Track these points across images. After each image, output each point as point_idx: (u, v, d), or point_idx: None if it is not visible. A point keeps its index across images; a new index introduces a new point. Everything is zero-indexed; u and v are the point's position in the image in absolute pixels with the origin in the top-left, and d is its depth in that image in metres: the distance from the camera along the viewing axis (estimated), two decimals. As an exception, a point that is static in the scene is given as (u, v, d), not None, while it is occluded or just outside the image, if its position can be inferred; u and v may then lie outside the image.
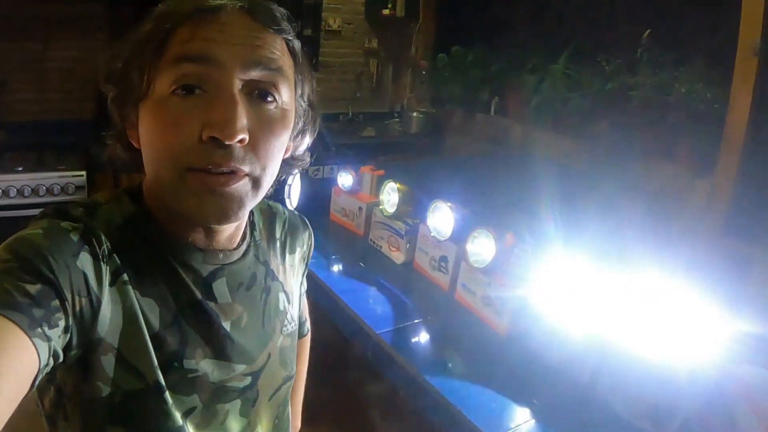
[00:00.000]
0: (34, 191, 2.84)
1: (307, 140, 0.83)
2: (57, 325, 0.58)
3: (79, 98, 3.34)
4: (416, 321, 1.52)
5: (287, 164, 0.80)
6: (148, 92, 0.66)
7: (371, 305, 1.57)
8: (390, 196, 1.82)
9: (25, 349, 0.54)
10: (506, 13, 3.73)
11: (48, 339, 0.56)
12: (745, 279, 2.25)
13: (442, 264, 1.65)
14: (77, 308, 0.61)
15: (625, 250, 1.48)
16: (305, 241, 0.98)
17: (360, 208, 1.98)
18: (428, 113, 3.99)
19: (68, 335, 0.60)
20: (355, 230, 2.02)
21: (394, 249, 1.81)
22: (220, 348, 0.75)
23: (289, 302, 0.90)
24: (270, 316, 0.84)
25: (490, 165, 3.02)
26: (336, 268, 1.83)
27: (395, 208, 1.80)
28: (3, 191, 2.77)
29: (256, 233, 0.86)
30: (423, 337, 1.47)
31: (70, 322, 0.60)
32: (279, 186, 2.13)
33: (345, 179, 2.03)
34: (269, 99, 0.67)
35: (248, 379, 0.79)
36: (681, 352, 1.15)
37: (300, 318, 1.03)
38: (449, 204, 1.62)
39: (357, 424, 1.68)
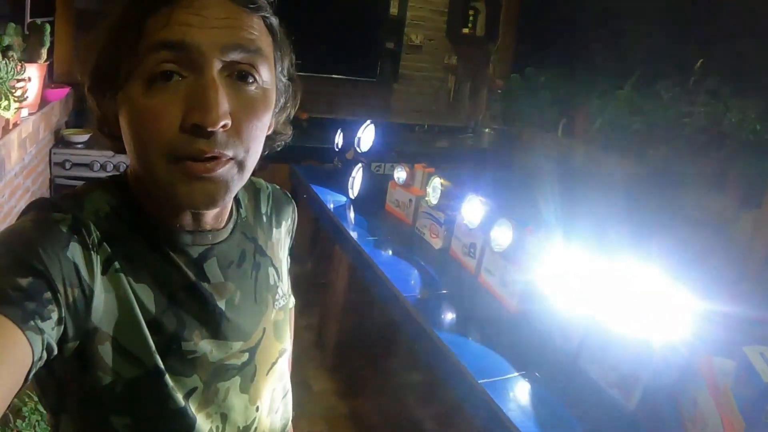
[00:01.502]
0: (116, 167, 3.20)
1: (289, 114, 0.82)
2: (50, 318, 0.58)
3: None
4: (442, 292, 1.78)
5: (269, 139, 0.80)
6: (126, 82, 0.65)
7: (405, 277, 1.84)
8: (435, 190, 2.09)
9: (18, 343, 0.55)
10: (580, 40, 3.90)
11: (41, 332, 0.57)
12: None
13: (471, 249, 1.90)
14: (70, 299, 0.61)
15: (638, 253, 1.68)
16: (289, 215, 0.99)
17: (410, 200, 2.26)
18: (500, 130, 4.22)
19: (62, 327, 0.60)
20: (405, 219, 2.30)
21: (434, 236, 2.08)
22: (216, 327, 0.76)
23: (278, 276, 0.91)
24: (261, 291, 0.85)
25: (549, 179, 3.21)
26: (385, 250, 2.11)
27: (438, 200, 2.07)
28: (87, 165, 3.16)
29: (242, 210, 0.87)
30: (443, 306, 1.73)
31: (63, 314, 0.60)
32: (344, 176, 2.43)
33: (400, 174, 2.32)
34: (250, 80, 0.67)
35: (246, 356, 0.80)
36: (658, 335, 1.32)
37: None
38: (481, 198, 1.87)
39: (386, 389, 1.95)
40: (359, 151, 2.59)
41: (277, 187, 1.00)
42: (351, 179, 2.49)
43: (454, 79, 4.52)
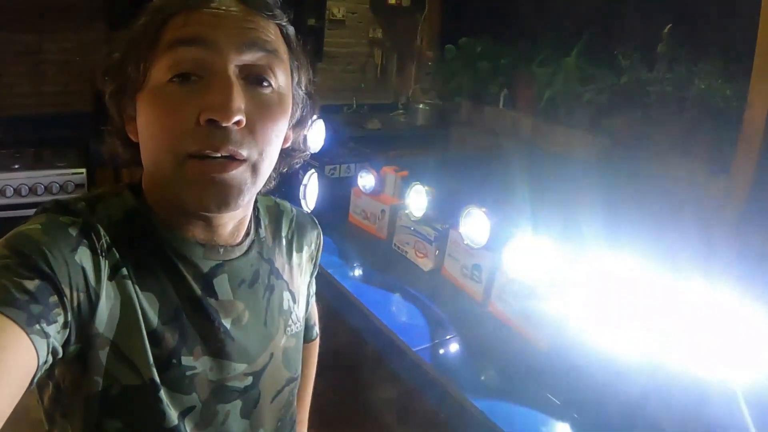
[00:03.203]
0: (32, 190, 2.73)
1: (307, 130, 0.83)
2: (55, 321, 0.58)
3: (77, 91, 3.24)
4: (451, 336, 1.45)
5: (287, 155, 0.80)
6: (144, 83, 0.66)
7: (404, 319, 1.50)
8: (417, 200, 1.74)
9: (24, 347, 0.54)
10: (513, 4, 3.65)
11: (46, 335, 0.56)
12: (761, 276, 2.22)
13: (475, 272, 1.58)
14: (75, 303, 0.61)
15: (666, 257, 1.42)
16: (313, 241, 0.97)
17: (383, 211, 1.90)
18: (434, 105, 3.92)
19: (67, 330, 0.60)
20: (377, 234, 1.94)
21: (422, 255, 1.74)
22: (219, 346, 0.74)
23: (294, 302, 0.88)
24: (273, 315, 0.83)
25: (513, 164, 2.95)
26: (359, 273, 1.76)
27: (423, 212, 1.72)
28: (-1, 190, 2.66)
29: (261, 230, 0.85)
30: (460, 353, 1.41)
31: (69, 318, 0.60)
32: (293, 186, 2.05)
33: (366, 180, 1.95)
34: (265, 84, 0.67)
35: (249, 379, 0.78)
36: (737, 367, 1.10)
37: (308, 321, 1.03)
38: (483, 209, 1.54)
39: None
40: (307, 152, 2.19)
41: (304, 212, 0.99)
42: (302, 187, 2.08)
43: (381, 53, 4.16)
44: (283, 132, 0.71)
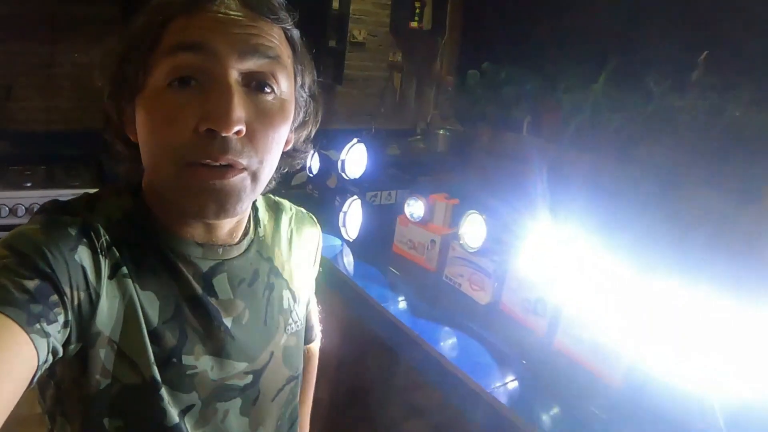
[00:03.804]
0: None
1: (309, 132, 0.81)
2: (56, 320, 0.58)
3: (91, 106, 3.17)
4: (518, 375, 1.38)
5: (288, 156, 0.80)
6: (143, 85, 0.65)
7: (473, 358, 1.42)
8: (473, 230, 1.68)
9: (24, 346, 0.54)
10: (536, 30, 3.62)
11: (46, 335, 0.56)
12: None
13: (539, 306, 1.51)
14: (76, 302, 0.61)
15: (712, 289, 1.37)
16: (313, 239, 0.97)
17: (432, 241, 1.83)
18: (454, 131, 3.87)
19: (68, 330, 0.60)
20: (426, 265, 1.87)
21: (477, 288, 1.67)
22: (220, 345, 0.74)
23: (295, 300, 0.89)
24: (273, 313, 0.83)
25: (547, 193, 2.89)
26: (411, 306, 1.67)
27: (481, 243, 1.65)
28: (10, 209, 2.56)
29: (260, 229, 0.85)
30: (532, 394, 1.33)
31: (69, 317, 0.60)
32: (331, 214, 1.98)
33: (414, 208, 1.89)
34: (267, 90, 0.66)
35: (249, 378, 0.78)
36: None
37: (308, 321, 1.04)
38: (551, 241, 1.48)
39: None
40: (346, 177, 2.13)
41: (303, 210, 0.99)
42: (342, 215, 2.02)
43: (400, 77, 4.12)
44: (284, 138, 0.71)
